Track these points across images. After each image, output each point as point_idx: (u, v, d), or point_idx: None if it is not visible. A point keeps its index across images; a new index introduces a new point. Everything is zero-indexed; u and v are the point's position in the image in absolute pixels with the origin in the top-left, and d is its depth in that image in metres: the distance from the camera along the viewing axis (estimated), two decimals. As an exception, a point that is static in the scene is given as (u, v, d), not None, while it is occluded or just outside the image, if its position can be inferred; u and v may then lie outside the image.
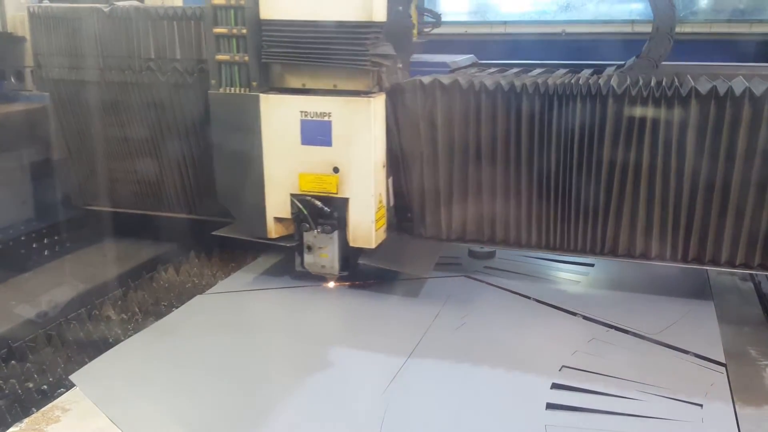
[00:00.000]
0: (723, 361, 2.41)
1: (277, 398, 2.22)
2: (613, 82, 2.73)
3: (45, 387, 2.33)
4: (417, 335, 2.58)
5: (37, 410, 2.13)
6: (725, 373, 2.34)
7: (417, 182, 3.01)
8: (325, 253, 2.96)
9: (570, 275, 3.22)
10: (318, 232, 2.91)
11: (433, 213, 3.05)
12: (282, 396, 2.23)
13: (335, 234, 2.91)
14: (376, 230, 2.88)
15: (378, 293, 2.98)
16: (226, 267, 3.32)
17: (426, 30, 3.32)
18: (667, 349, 2.51)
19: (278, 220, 2.97)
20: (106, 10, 3.14)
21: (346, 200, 2.86)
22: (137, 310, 2.89)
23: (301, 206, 2.88)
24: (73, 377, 2.31)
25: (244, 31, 2.78)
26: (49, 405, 2.15)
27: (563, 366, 2.38)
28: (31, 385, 2.34)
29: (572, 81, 2.78)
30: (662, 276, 3.10)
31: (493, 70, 3.49)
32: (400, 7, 2.88)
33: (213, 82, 2.88)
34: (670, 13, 3.37)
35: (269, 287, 3.07)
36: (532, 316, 2.81)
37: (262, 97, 2.83)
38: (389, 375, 2.31)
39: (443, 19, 6.27)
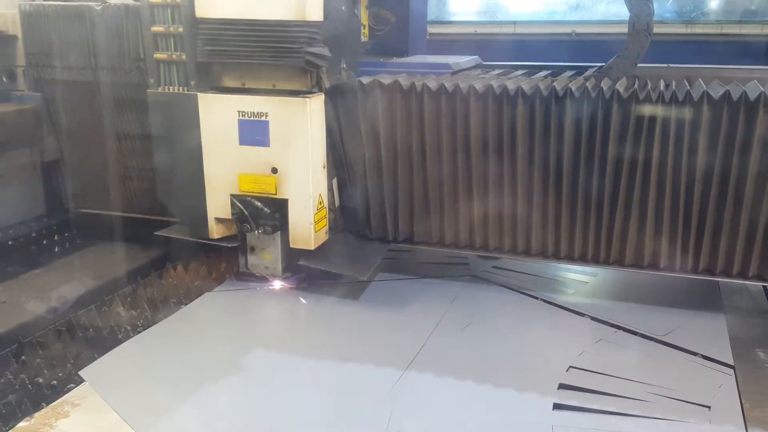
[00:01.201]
0: (731, 363, 2.39)
1: (287, 394, 2.24)
2: (588, 84, 2.66)
3: (55, 382, 2.33)
4: (425, 335, 2.60)
5: (46, 405, 2.14)
6: (733, 374, 2.33)
7: (360, 183, 2.97)
8: (267, 254, 2.95)
9: (579, 276, 3.20)
10: (260, 232, 2.89)
11: (378, 214, 3.01)
12: (293, 392, 2.26)
13: (277, 235, 2.90)
14: (316, 231, 2.85)
15: (386, 293, 3.00)
16: (236, 266, 3.18)
17: (379, 31, 3.26)
18: (674, 350, 2.50)
19: (220, 220, 2.96)
20: (98, 8, 3.11)
21: (285, 201, 2.83)
22: (145, 306, 2.87)
23: (241, 207, 2.87)
24: (82, 373, 2.33)
25: (181, 29, 2.78)
26: (59, 400, 2.17)
27: (570, 366, 2.37)
28: (41, 380, 2.34)
29: (531, 85, 2.71)
30: (670, 278, 3.01)
31: (496, 71, 3.44)
32: (343, 7, 2.83)
33: (151, 81, 2.88)
34: (645, 9, 3.28)
35: (277, 287, 3.05)
36: (540, 316, 2.80)
37: (200, 96, 2.82)
38: (397, 373, 2.34)
39: (452, 19, 6.29)
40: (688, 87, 2.59)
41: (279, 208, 2.85)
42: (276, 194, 2.82)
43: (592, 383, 2.27)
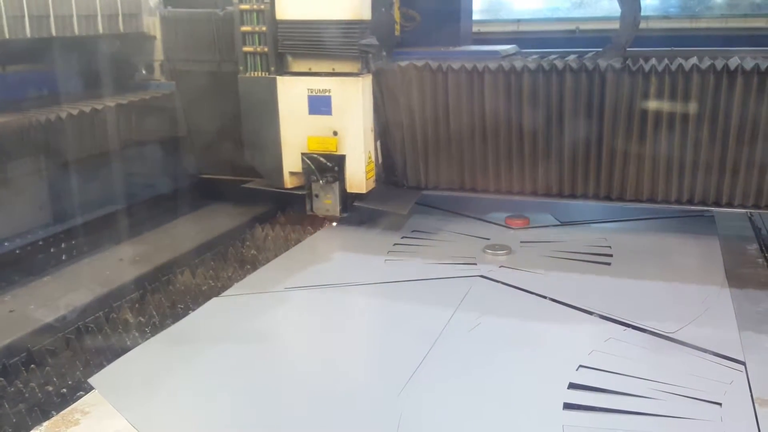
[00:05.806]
0: (742, 359, 2.38)
1: (295, 402, 2.25)
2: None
3: (64, 390, 2.37)
4: (432, 336, 2.58)
5: (56, 413, 2.15)
6: (744, 371, 2.31)
7: (399, 144, 3.87)
8: (328, 199, 3.84)
9: (586, 274, 3.21)
10: (323, 182, 3.79)
11: (413, 168, 3.92)
12: (300, 398, 2.26)
13: (336, 184, 3.79)
14: (367, 179, 3.76)
15: (389, 293, 3.06)
16: (242, 269, 3.46)
17: (407, 27, 4.16)
18: (685, 347, 2.48)
19: (292, 173, 3.87)
20: (221, 13, 3.95)
21: (343, 156, 3.74)
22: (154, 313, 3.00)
23: (309, 162, 3.78)
24: (91, 380, 2.33)
25: (264, 29, 3.71)
26: (69, 408, 2.16)
27: (580, 365, 2.36)
28: (50, 388, 2.39)
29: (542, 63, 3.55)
30: (680, 273, 3.14)
31: (534, 56, 4.09)
32: (383, 9, 3.74)
33: (241, 68, 3.81)
34: (633, 5, 4.09)
35: (284, 289, 3.11)
36: (548, 315, 2.79)
37: (279, 79, 3.75)
38: (405, 376, 2.31)
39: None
40: (682, 60, 3.35)
41: (338, 162, 3.75)
42: (336, 151, 3.73)
43: (602, 382, 2.26)
